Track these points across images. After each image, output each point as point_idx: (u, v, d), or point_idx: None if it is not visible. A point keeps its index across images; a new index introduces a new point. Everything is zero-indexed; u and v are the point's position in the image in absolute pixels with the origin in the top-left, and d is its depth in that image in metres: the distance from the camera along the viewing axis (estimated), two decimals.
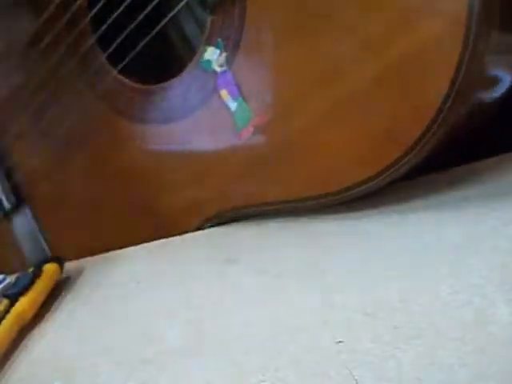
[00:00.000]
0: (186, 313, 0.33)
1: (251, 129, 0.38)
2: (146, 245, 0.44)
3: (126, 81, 0.43)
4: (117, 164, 0.46)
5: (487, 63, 0.33)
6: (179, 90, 0.41)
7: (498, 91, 0.37)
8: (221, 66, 0.38)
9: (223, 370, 0.27)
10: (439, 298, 0.27)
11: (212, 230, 0.43)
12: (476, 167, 0.37)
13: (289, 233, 0.39)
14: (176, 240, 0.43)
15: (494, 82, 0.36)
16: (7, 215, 0.48)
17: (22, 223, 0.48)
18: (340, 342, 0.26)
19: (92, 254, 0.46)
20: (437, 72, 0.31)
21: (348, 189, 0.35)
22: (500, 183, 0.35)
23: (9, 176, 0.48)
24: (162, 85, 0.42)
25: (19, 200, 0.48)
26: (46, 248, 0.50)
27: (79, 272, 0.43)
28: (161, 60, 0.45)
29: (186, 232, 0.44)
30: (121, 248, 0.45)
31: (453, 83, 0.30)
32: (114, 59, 0.43)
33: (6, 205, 0.48)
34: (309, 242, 0.36)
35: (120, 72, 0.43)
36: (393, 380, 0.23)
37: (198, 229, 0.44)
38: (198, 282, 0.36)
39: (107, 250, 0.45)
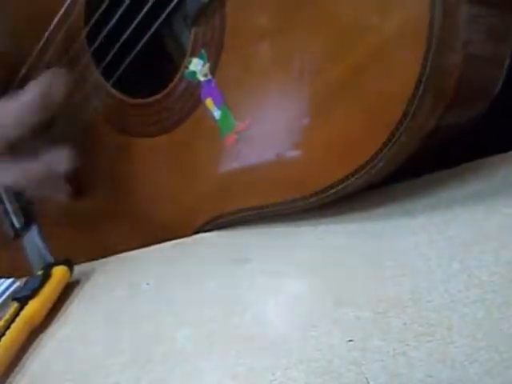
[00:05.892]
0: (197, 313, 0.33)
1: (235, 135, 0.39)
2: (156, 246, 0.44)
3: (118, 95, 0.44)
4: (116, 177, 0.47)
5: (461, 71, 0.32)
6: (168, 102, 0.41)
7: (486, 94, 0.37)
8: (205, 75, 0.39)
9: (233, 370, 0.27)
10: (450, 294, 0.27)
11: (222, 230, 0.43)
12: (485, 163, 0.37)
13: (299, 233, 0.39)
14: (187, 241, 0.44)
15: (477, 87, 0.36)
16: (18, 235, 0.49)
17: (31, 241, 0.49)
18: (350, 340, 0.26)
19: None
20: (401, 71, 0.31)
21: (323, 191, 0.36)
22: (509, 179, 0.35)
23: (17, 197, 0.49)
24: (149, 99, 0.42)
25: (29, 219, 0.49)
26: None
27: (89, 274, 0.44)
28: (162, 74, 0.46)
29: None
30: None
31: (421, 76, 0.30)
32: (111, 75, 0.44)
33: (17, 225, 0.49)
34: (318, 242, 0.36)
35: (116, 88, 0.44)
36: (404, 377, 0.23)
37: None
38: (208, 282, 0.36)
39: None
